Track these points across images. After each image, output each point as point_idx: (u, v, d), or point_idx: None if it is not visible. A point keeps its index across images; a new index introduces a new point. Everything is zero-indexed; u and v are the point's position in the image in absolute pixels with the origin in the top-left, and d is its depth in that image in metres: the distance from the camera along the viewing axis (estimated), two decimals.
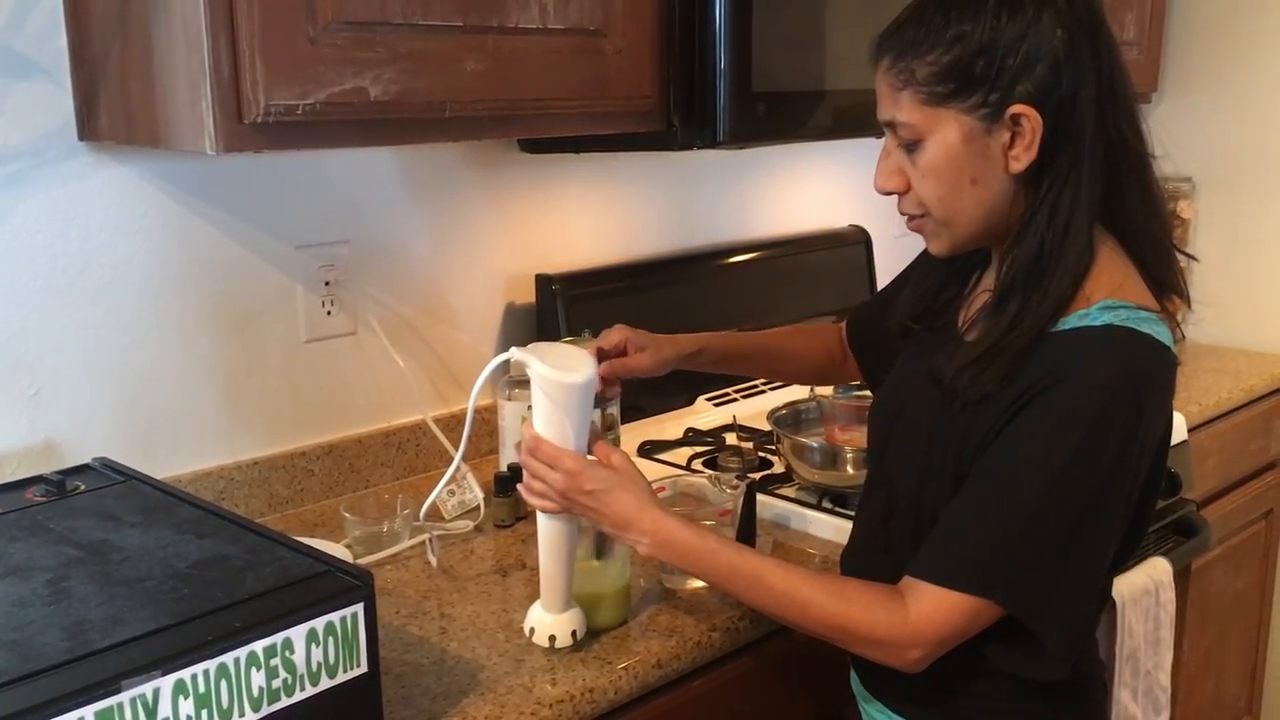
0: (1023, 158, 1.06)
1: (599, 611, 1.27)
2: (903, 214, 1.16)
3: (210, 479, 1.54)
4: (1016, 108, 1.04)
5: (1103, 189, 1.08)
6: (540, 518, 1.22)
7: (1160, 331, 1.07)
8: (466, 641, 1.25)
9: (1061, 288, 1.06)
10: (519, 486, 1.24)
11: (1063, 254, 1.07)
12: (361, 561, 1.43)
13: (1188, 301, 1.19)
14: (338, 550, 1.42)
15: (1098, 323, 1.05)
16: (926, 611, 1.07)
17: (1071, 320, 1.06)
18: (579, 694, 1.15)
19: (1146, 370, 1.05)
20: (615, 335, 1.39)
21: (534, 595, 1.34)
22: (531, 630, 1.24)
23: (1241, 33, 2.43)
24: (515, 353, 1.18)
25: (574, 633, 1.23)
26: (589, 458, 1.19)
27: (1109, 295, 1.07)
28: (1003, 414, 1.06)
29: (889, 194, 1.14)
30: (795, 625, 1.15)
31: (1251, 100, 2.44)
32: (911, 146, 1.09)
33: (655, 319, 2.01)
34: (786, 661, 1.37)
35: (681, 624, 1.28)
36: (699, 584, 1.37)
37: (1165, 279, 1.14)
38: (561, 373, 1.14)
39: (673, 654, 1.23)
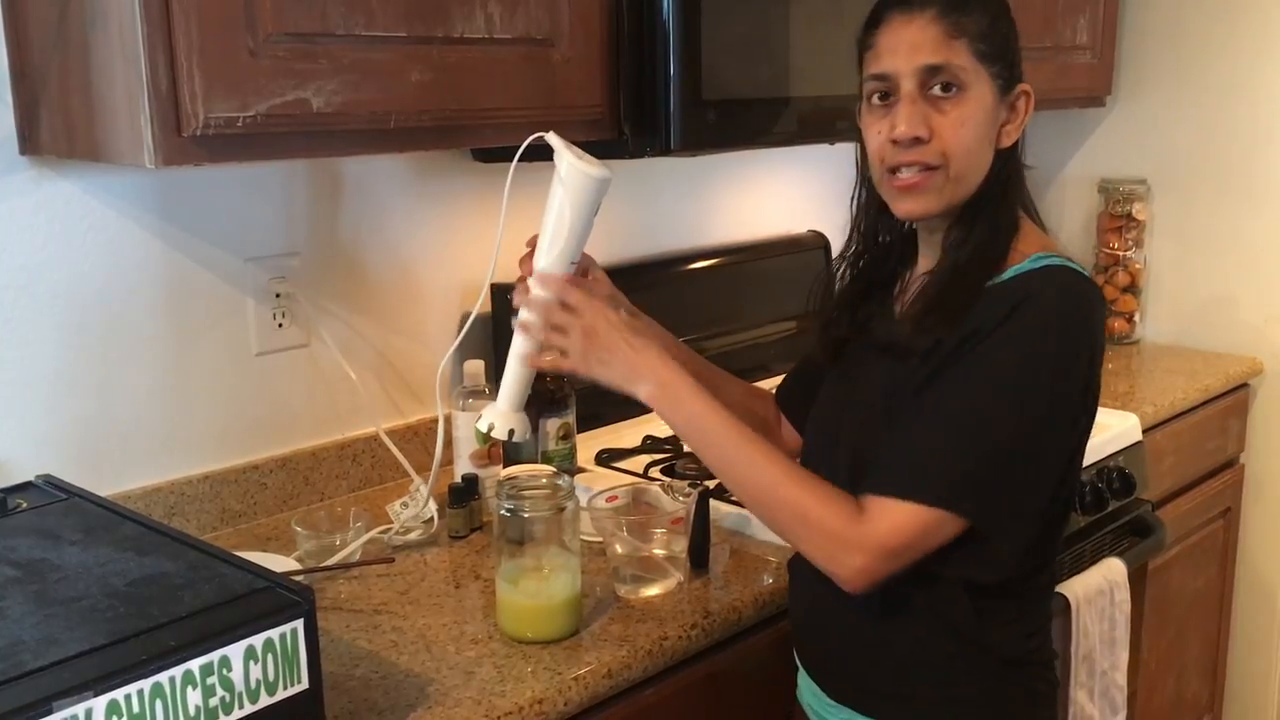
0: (1013, 134, 1.18)
1: (551, 622, 1.27)
2: (908, 164, 1.16)
3: (160, 494, 1.52)
4: (1024, 87, 1.18)
5: None
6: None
7: (1088, 276, 1.17)
8: (416, 655, 1.24)
9: (1000, 253, 1.16)
10: (519, 323, 1.25)
11: (1005, 229, 1.18)
12: (314, 575, 1.42)
13: None
14: (288, 564, 1.41)
15: (1036, 266, 1.14)
16: (880, 518, 1.10)
17: (1010, 272, 1.15)
18: (528, 705, 1.14)
19: (1086, 297, 1.14)
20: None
21: (487, 606, 1.35)
22: (480, 416, 1.31)
23: (1193, 37, 2.46)
24: (550, 137, 1.26)
25: (511, 431, 1.29)
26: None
27: (1040, 250, 1.16)
28: (953, 352, 1.12)
29: (913, 141, 1.15)
30: (758, 500, 1.17)
31: (1204, 103, 2.46)
32: (948, 95, 1.14)
33: None
34: (738, 670, 1.37)
35: (633, 633, 1.28)
36: (652, 593, 1.37)
37: None
38: (586, 164, 1.24)
39: (624, 663, 1.23)
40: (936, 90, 1.14)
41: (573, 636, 1.27)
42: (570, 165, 1.24)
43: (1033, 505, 1.14)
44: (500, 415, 1.30)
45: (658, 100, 1.55)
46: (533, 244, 1.28)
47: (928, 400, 1.12)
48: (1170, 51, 2.49)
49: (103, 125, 1.22)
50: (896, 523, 1.09)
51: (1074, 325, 1.12)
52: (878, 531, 1.10)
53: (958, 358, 1.11)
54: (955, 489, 1.09)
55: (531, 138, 1.27)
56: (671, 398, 1.18)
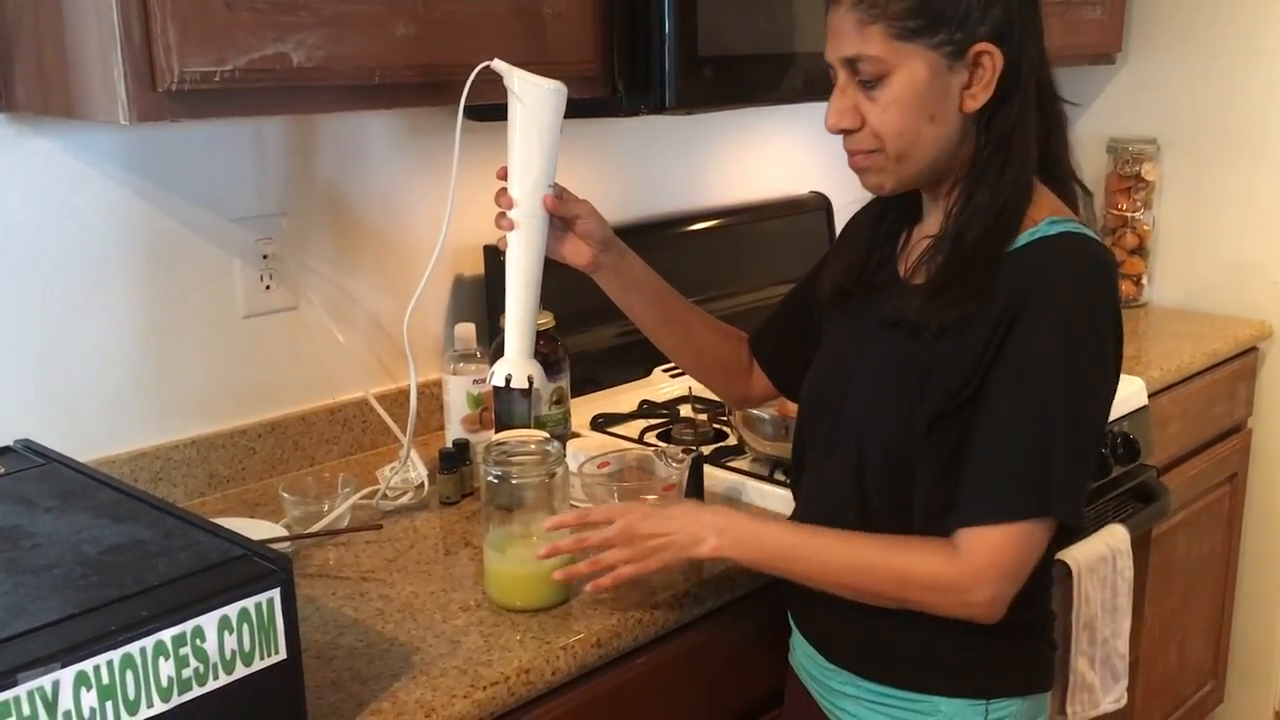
0: (979, 96, 1.11)
1: (539, 590, 1.24)
2: (851, 151, 1.17)
3: (146, 459, 1.50)
4: (980, 47, 1.09)
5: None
6: (510, 259, 1.28)
7: (1100, 240, 1.15)
8: (402, 623, 1.22)
9: (1014, 220, 1.13)
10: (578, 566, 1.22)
11: (1016, 194, 1.13)
12: (300, 542, 1.40)
13: None
14: (275, 531, 1.38)
15: (1052, 232, 1.11)
16: (980, 548, 1.09)
17: (1023, 239, 1.12)
18: (514, 675, 1.12)
19: (1103, 263, 1.13)
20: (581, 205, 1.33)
21: (477, 574, 1.33)
22: (492, 373, 1.30)
23: None
24: (497, 63, 1.25)
25: (530, 379, 1.29)
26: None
27: (1051, 214, 1.14)
28: (990, 336, 1.09)
29: (842, 132, 1.15)
30: (859, 586, 1.15)
31: (1215, 61, 2.41)
32: (872, 82, 1.11)
33: (580, 296, 1.97)
34: (731, 638, 1.35)
35: (623, 602, 1.25)
36: None
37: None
38: (538, 79, 1.24)
39: (613, 632, 1.21)
40: (863, 77, 1.12)
41: (563, 605, 1.25)
42: (524, 82, 1.24)
43: (1088, 479, 1.14)
44: (514, 365, 1.29)
45: (652, 56, 1.50)
46: (503, 174, 1.28)
47: (983, 411, 1.10)
48: (1182, 7, 2.43)
49: (76, 80, 1.18)
50: (997, 547, 1.09)
51: (1099, 297, 1.11)
52: (982, 561, 1.09)
53: (996, 353, 1.09)
54: (1039, 497, 1.08)
55: (479, 67, 1.25)
56: (734, 539, 1.17)
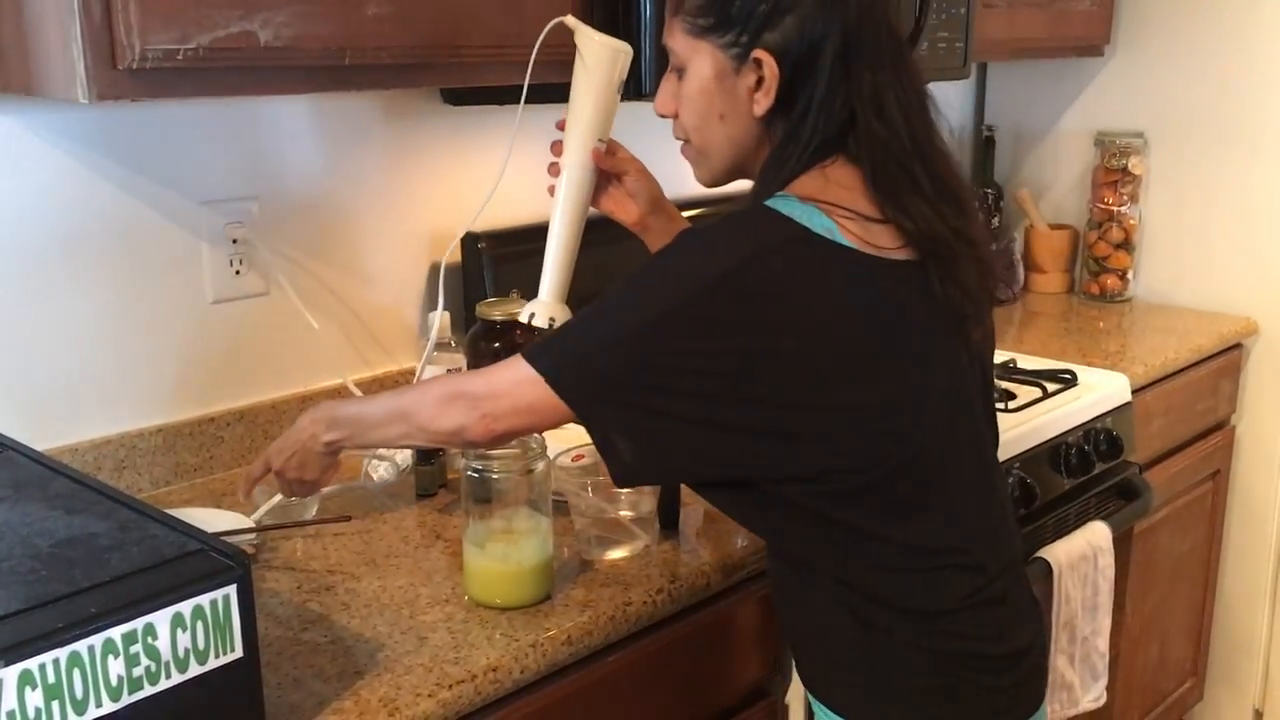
0: (762, 102, 1.10)
1: (520, 587, 1.21)
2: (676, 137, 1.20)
3: (111, 447, 1.46)
4: (758, 53, 1.08)
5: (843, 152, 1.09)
6: (555, 204, 1.34)
7: (804, 213, 1.04)
8: (368, 619, 1.19)
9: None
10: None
11: (760, 195, 1.11)
12: (268, 531, 1.36)
13: (1009, 295, 1.28)
14: (240, 522, 1.35)
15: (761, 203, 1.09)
16: (502, 367, 1.11)
17: None
18: (481, 674, 1.09)
19: (770, 237, 1.04)
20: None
21: (448, 568, 1.30)
22: (519, 310, 1.37)
23: None
24: (569, 19, 1.29)
25: (551, 320, 1.33)
26: None
27: (798, 193, 1.07)
28: None
29: (664, 117, 1.19)
30: (422, 433, 1.15)
31: (1204, 55, 2.38)
32: (680, 74, 1.15)
33: (590, 279, 1.93)
34: (705, 637, 1.32)
35: (596, 598, 1.23)
36: (618, 555, 1.32)
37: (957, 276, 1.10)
38: (602, 38, 1.28)
39: (585, 630, 1.18)
40: (673, 66, 1.16)
41: (544, 602, 1.22)
42: (586, 37, 1.28)
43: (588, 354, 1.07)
44: (541, 305, 1.34)
45: (632, 40, 1.47)
46: (563, 126, 1.33)
47: None
48: (1171, 0, 2.41)
49: (35, 57, 1.15)
50: (512, 375, 1.08)
51: (717, 257, 1.04)
52: (492, 378, 1.10)
53: None
54: (560, 364, 1.07)
55: (552, 23, 1.29)
56: (331, 419, 1.20)
